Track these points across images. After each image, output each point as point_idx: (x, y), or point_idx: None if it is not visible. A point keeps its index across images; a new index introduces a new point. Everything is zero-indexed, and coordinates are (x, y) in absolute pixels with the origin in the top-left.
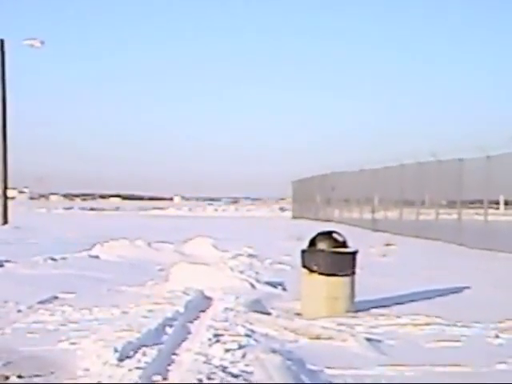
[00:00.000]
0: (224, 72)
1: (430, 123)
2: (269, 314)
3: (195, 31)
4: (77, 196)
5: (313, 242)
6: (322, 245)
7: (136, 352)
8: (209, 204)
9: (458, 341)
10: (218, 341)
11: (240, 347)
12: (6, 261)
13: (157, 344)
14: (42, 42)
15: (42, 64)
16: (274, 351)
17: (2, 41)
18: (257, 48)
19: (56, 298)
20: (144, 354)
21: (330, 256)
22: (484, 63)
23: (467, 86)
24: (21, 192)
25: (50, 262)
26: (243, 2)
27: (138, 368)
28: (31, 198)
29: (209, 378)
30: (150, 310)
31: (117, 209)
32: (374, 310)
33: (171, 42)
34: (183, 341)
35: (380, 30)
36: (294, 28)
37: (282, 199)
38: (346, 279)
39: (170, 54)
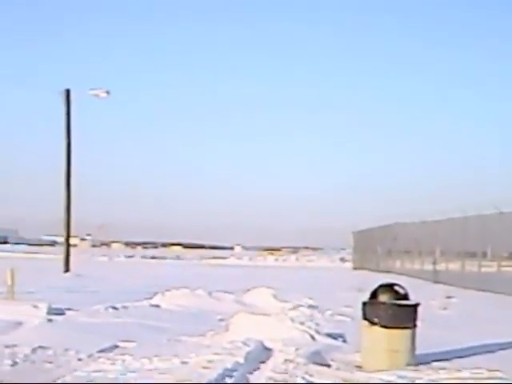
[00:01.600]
0: (287, 121)
1: (492, 174)
2: (329, 365)
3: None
4: (138, 244)
5: (374, 294)
6: (383, 297)
7: None
8: (269, 253)
9: None
10: None
11: None
12: (68, 309)
13: None
14: (108, 92)
15: (106, 111)
16: None
17: (68, 91)
18: (305, 90)
19: (116, 346)
20: None
21: (392, 308)
22: None
23: None
24: (83, 239)
25: (110, 310)
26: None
27: None
28: (93, 246)
29: None
30: (210, 361)
31: (178, 257)
32: (434, 364)
33: (233, 82)
34: None
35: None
36: (344, 68)
37: (343, 249)
38: (407, 332)
39: (235, 96)
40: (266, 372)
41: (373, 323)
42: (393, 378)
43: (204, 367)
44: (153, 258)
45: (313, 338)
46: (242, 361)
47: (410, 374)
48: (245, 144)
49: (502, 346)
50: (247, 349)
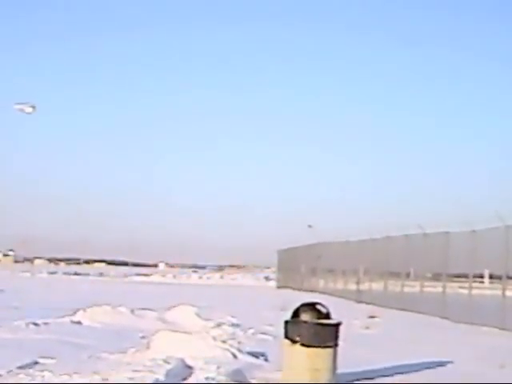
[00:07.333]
0: (209, 140)
1: (417, 196)
2: None
3: (185, 86)
4: (61, 260)
5: (296, 313)
6: (305, 316)
7: None
8: (193, 271)
9: None
10: None
11: None
12: None
13: None
14: (33, 107)
15: (30, 123)
16: None
17: None
18: (247, 109)
19: (36, 363)
20: None
21: (313, 327)
22: (473, 140)
23: (454, 161)
24: (6, 255)
25: (32, 326)
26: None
27: None
28: (16, 262)
29: None
30: (131, 378)
31: (101, 274)
32: (356, 383)
33: (162, 97)
34: None
35: (377, 92)
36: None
37: (268, 267)
38: (329, 351)
39: (158, 112)
40: None
41: (294, 342)
42: None
43: None
44: (76, 274)
45: (234, 356)
46: (162, 378)
47: None
48: (169, 159)
49: (423, 366)
50: (168, 366)
